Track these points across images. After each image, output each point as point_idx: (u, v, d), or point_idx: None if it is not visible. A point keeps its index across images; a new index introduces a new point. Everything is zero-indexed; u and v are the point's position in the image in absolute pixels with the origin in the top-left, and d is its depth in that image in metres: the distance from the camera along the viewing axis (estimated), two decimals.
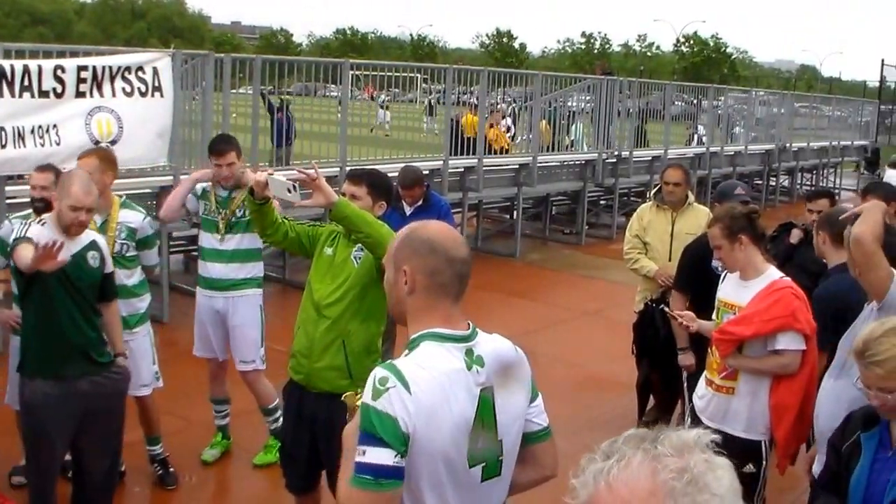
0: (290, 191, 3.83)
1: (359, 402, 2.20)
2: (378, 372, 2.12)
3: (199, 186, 5.37)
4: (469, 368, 2.20)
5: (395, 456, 2.04)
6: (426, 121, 16.38)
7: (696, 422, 4.33)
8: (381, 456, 2.04)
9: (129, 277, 4.92)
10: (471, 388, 2.19)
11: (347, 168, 9.55)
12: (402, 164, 10.78)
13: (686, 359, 5.31)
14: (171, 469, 5.18)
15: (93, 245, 4.20)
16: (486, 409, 2.21)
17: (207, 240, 5.32)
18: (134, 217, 4.95)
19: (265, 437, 5.48)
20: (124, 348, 4.53)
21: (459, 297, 2.29)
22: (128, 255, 4.90)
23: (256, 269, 5.38)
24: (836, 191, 19.79)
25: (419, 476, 2.12)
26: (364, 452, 2.05)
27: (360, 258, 3.91)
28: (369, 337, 3.97)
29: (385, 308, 3.76)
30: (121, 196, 5.03)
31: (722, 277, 4.44)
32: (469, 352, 2.22)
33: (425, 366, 2.15)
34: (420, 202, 6.53)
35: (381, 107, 16.27)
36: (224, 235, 5.26)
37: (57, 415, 4.06)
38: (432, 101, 15.44)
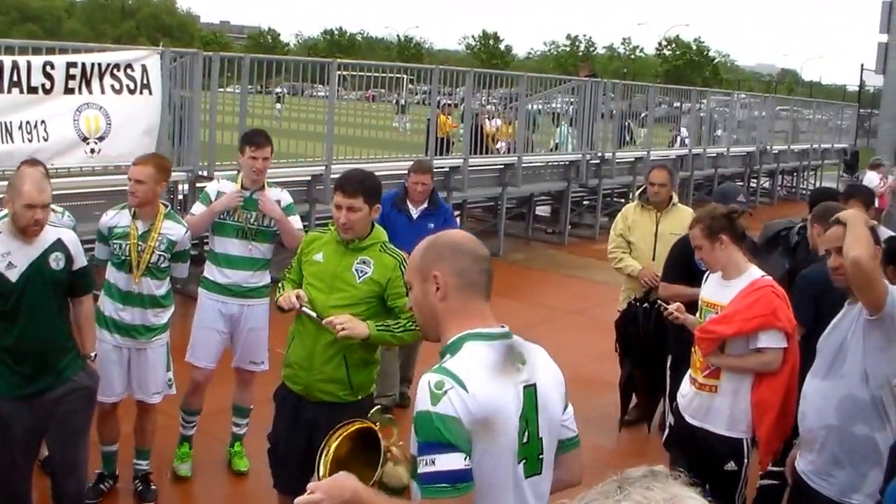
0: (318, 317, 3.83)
1: (393, 447, 2.25)
2: (431, 377, 2.12)
3: (214, 190, 5.28)
4: (513, 365, 2.23)
5: (465, 458, 2.06)
6: (396, 119, 16.39)
7: (680, 420, 4.43)
8: (452, 461, 2.04)
9: (159, 288, 4.85)
10: (517, 385, 2.21)
11: (333, 167, 9.64)
12: (387, 164, 10.98)
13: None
14: (153, 486, 5.08)
15: (57, 245, 4.02)
16: (529, 406, 2.22)
17: (230, 245, 5.20)
18: (176, 230, 4.86)
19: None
20: (139, 355, 4.63)
21: (489, 296, 2.33)
22: (162, 266, 4.82)
23: (267, 275, 5.37)
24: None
25: (480, 473, 2.11)
26: (434, 461, 2.04)
27: (364, 273, 3.85)
28: (370, 349, 3.95)
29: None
30: (166, 206, 4.92)
31: (705, 277, 4.51)
32: (511, 348, 2.25)
33: (477, 364, 2.17)
34: (426, 204, 6.34)
35: (399, 111, 16.35)
36: (252, 242, 5.19)
37: (18, 427, 3.96)
38: (402, 100, 15.44)
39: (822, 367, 3.72)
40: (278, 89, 13.67)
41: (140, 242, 4.73)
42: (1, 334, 3.92)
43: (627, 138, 16.09)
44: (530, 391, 2.23)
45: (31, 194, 3.83)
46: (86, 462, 4.36)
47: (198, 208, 5.32)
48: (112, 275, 4.81)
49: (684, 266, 5.26)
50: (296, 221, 5.32)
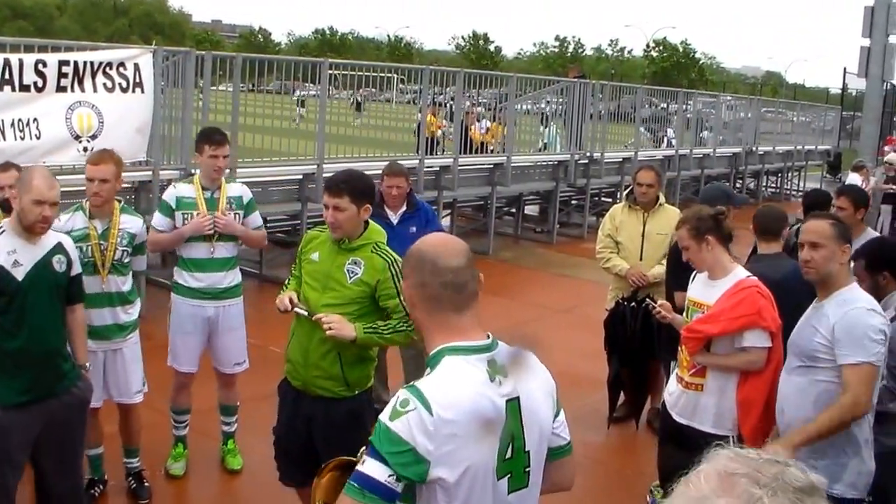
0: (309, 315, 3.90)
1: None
2: (401, 394, 2.11)
3: (173, 197, 5.16)
4: (492, 379, 2.17)
5: (390, 476, 2.03)
6: (354, 116, 16.33)
7: (667, 417, 4.50)
8: (376, 470, 2.04)
9: (125, 284, 4.80)
10: (496, 400, 2.15)
11: (325, 165, 9.69)
12: (380, 163, 11.01)
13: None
14: (147, 483, 5.07)
15: (58, 248, 3.99)
16: (513, 420, 2.18)
17: (195, 249, 5.14)
18: (134, 223, 4.83)
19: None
20: (104, 357, 4.59)
21: (463, 307, 2.23)
22: (125, 261, 4.77)
23: (238, 273, 5.37)
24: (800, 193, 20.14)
25: (453, 491, 2.10)
26: (364, 462, 2.07)
27: (354, 273, 3.88)
28: (362, 350, 3.99)
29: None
30: (119, 200, 4.84)
31: (692, 277, 4.57)
32: (491, 362, 2.19)
33: (449, 381, 2.14)
34: (404, 207, 6.05)
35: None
36: (214, 243, 5.13)
37: (16, 439, 3.86)
38: (359, 97, 15.38)
39: (795, 363, 3.83)
40: (300, 92, 13.55)
41: (102, 241, 4.66)
42: (5, 338, 3.82)
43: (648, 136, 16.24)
44: (514, 404, 2.19)
45: (40, 189, 3.78)
46: (81, 465, 4.33)
47: (160, 220, 5.17)
48: None
49: (685, 268, 5.34)
50: (255, 220, 5.32)
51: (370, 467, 2.05)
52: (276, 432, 4.22)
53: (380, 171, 6.18)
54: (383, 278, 3.86)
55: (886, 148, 20.83)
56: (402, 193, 6.00)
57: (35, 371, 3.88)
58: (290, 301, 3.96)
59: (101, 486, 5.01)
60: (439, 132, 13.11)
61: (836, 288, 3.76)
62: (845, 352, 3.61)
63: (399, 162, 7.17)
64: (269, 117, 11.57)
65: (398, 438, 2.04)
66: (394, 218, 5.94)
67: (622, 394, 6.43)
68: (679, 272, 5.42)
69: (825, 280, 3.77)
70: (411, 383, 2.15)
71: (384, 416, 2.09)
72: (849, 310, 3.66)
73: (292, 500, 4.39)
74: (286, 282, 4.20)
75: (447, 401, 2.08)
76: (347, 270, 3.88)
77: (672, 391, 4.48)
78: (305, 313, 3.91)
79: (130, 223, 4.81)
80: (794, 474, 1.24)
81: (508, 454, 2.18)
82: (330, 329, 3.74)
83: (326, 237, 4.02)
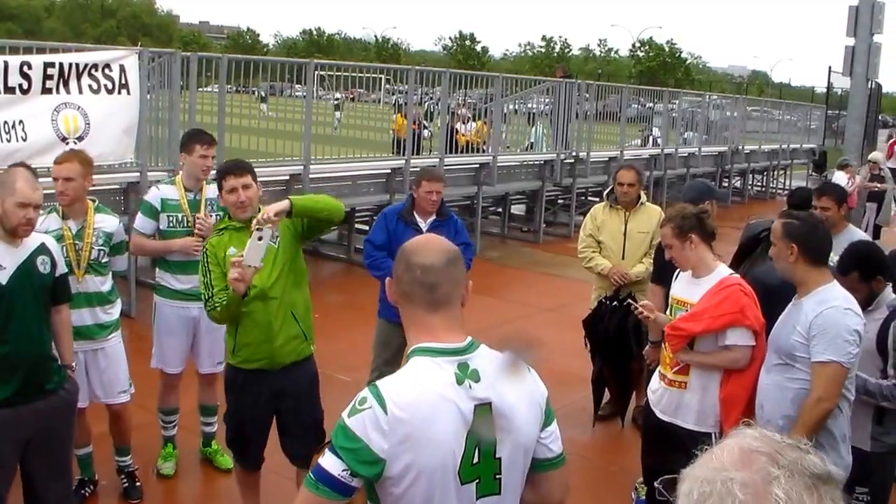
0: (260, 239, 3.79)
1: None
2: (362, 392, 2.14)
3: (157, 199, 5.15)
4: (460, 383, 2.15)
5: (344, 470, 2.07)
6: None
7: (650, 415, 4.53)
8: (331, 464, 2.08)
9: (104, 284, 4.78)
10: (463, 403, 2.13)
11: (311, 166, 9.71)
12: (365, 163, 11.07)
13: (652, 353, 5.20)
14: (139, 483, 5.08)
15: (42, 249, 3.93)
16: (481, 425, 2.15)
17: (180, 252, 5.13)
18: (109, 222, 4.81)
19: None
20: (93, 357, 4.60)
21: (435, 307, 2.20)
22: (103, 261, 4.75)
23: None
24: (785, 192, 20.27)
25: (409, 492, 2.11)
26: (323, 455, 2.11)
27: (275, 237, 4.06)
28: (305, 298, 4.31)
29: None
30: (94, 200, 4.83)
31: (675, 275, 4.60)
32: (462, 365, 2.17)
33: (410, 381, 2.14)
34: (435, 215, 5.83)
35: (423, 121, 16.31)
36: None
37: (4, 442, 3.81)
38: (262, 91, 15.23)
39: (774, 360, 3.90)
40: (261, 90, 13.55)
41: (77, 241, 4.64)
42: None
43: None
44: (484, 409, 2.16)
45: (24, 192, 3.74)
46: (71, 469, 4.30)
47: (143, 222, 5.13)
48: None
49: (670, 264, 5.40)
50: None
51: (327, 461, 2.09)
52: (238, 422, 4.32)
53: (365, 172, 6.16)
54: (288, 221, 4.09)
55: None
56: (439, 199, 5.83)
57: (22, 375, 3.83)
58: (234, 267, 3.83)
59: (92, 487, 5.01)
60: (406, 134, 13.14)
61: (813, 286, 3.82)
62: (818, 349, 3.68)
63: (436, 167, 7.05)
64: (256, 118, 11.60)
65: (353, 435, 2.07)
66: (423, 225, 5.74)
67: (607, 392, 6.48)
68: (664, 270, 5.48)
69: (791, 278, 3.89)
70: (374, 382, 2.18)
71: (344, 413, 2.13)
72: (825, 308, 3.72)
73: (283, 494, 4.42)
74: (210, 294, 4.09)
75: (404, 400, 2.09)
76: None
77: (655, 389, 4.51)
78: (259, 264, 3.84)
79: (106, 222, 4.79)
80: (813, 461, 1.27)
81: (476, 459, 2.16)
82: (266, 214, 3.86)
83: (228, 234, 4.17)
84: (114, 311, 4.87)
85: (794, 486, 1.23)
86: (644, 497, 5.02)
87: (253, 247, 3.79)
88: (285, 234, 4.13)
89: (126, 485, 5.07)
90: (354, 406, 2.11)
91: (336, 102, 14.82)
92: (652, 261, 5.84)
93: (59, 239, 4.57)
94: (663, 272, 5.47)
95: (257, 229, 3.78)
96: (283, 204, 3.91)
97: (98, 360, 4.80)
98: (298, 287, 4.24)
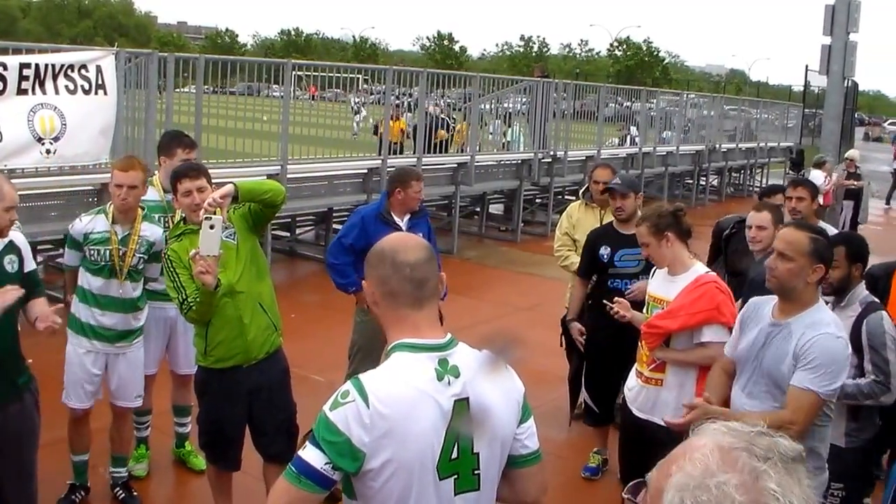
0: (212, 228, 3.77)
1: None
2: (345, 385, 2.15)
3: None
4: (440, 378, 2.17)
5: (326, 463, 2.08)
6: (355, 119, 16.55)
7: (628, 412, 4.55)
8: (313, 457, 2.09)
9: (136, 290, 4.78)
10: (442, 398, 2.16)
11: (288, 166, 9.69)
12: (341, 163, 11.06)
13: (573, 328, 5.86)
14: (135, 493, 5.03)
15: (9, 248, 3.86)
16: (459, 420, 2.17)
17: None
18: (153, 231, 4.78)
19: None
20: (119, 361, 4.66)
21: (421, 303, 2.24)
22: (140, 268, 4.75)
23: None
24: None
25: (387, 486, 2.13)
26: (305, 448, 2.12)
27: (232, 234, 4.13)
28: (270, 289, 4.37)
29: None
30: (142, 208, 4.78)
31: (652, 273, 4.64)
32: (443, 361, 2.20)
33: (391, 376, 2.16)
34: (410, 213, 5.87)
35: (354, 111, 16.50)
36: None
37: None
38: (356, 100, 15.48)
39: (762, 387, 3.65)
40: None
41: (121, 247, 4.64)
42: None
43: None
44: (462, 404, 2.18)
45: (12, 196, 3.73)
46: (36, 471, 4.14)
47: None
48: (87, 280, 4.68)
49: (593, 258, 5.65)
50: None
51: (308, 454, 2.10)
52: (216, 425, 4.31)
53: (342, 172, 6.10)
54: (235, 212, 4.15)
55: None
56: (414, 205, 5.87)
57: None
58: (196, 262, 3.80)
59: (83, 493, 4.96)
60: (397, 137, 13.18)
61: (802, 306, 3.56)
62: (800, 375, 3.44)
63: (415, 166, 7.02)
64: (234, 119, 11.55)
65: (335, 428, 2.09)
66: (402, 224, 5.75)
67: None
68: (589, 260, 5.69)
69: (788, 295, 3.58)
70: (356, 376, 2.19)
71: (326, 406, 2.14)
72: (822, 335, 3.46)
73: (255, 495, 4.43)
74: (184, 297, 4.06)
75: (385, 395, 2.11)
76: (224, 237, 4.00)
77: (632, 386, 4.52)
78: (217, 251, 3.82)
79: (150, 231, 4.77)
80: (785, 444, 1.29)
81: (454, 454, 2.19)
82: (212, 198, 3.84)
83: (186, 238, 4.13)
84: (142, 318, 4.89)
85: (778, 473, 1.24)
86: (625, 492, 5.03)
87: (206, 235, 3.78)
88: (241, 228, 4.20)
89: (122, 496, 4.99)
90: (336, 399, 2.12)
91: (355, 106, 14.86)
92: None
93: (105, 242, 4.63)
94: (591, 268, 5.69)
95: (206, 218, 3.78)
96: (228, 188, 3.87)
97: (119, 364, 4.81)
98: (261, 279, 4.29)
